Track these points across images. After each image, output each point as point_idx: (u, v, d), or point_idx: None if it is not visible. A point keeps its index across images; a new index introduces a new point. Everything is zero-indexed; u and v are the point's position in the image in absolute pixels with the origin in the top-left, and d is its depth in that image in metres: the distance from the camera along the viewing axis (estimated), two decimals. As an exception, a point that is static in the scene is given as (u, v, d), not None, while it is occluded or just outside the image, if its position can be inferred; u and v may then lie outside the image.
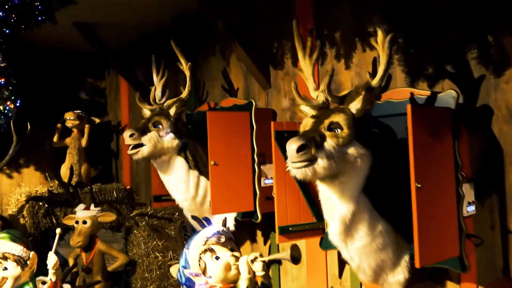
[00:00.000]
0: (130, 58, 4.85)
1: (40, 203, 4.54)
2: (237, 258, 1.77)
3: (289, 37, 3.25)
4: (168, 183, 3.35)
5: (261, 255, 1.72)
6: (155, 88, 3.62)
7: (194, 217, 3.06)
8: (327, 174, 1.88)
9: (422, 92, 2.21)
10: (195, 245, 1.84)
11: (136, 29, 4.37)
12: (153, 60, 3.56)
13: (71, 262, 4.14)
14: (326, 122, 1.93)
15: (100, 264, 3.82)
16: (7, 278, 1.92)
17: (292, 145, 1.76)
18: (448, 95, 2.05)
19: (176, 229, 4.01)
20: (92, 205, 3.88)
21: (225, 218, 3.03)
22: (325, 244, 2.70)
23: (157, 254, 3.88)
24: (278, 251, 3.34)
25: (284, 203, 2.59)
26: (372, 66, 2.76)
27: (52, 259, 2.12)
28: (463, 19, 2.24)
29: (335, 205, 2.06)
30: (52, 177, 5.06)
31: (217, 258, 1.78)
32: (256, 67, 3.33)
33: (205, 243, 1.81)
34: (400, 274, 2.24)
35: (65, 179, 4.48)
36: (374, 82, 2.00)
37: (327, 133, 1.90)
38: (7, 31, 3.84)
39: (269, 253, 3.45)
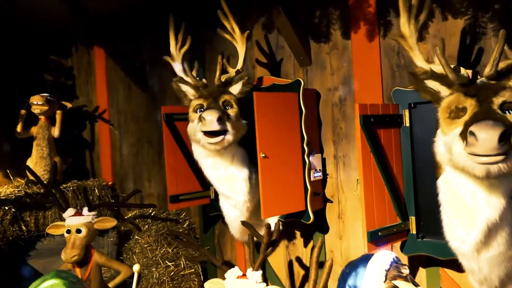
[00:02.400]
0: (114, 31, 4.05)
1: (6, 207, 3.69)
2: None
3: (338, 4, 2.76)
4: (220, 180, 2.67)
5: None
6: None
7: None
8: None
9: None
10: (373, 283, 1.32)
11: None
12: (170, 21, 2.83)
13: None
14: (496, 101, 1.49)
15: (98, 280, 3.13)
16: None
17: (491, 132, 1.29)
18: None
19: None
20: (86, 209, 3.16)
21: (279, 222, 2.53)
22: (410, 248, 2.30)
23: (168, 263, 3.26)
24: (325, 255, 2.89)
25: (371, 204, 2.13)
26: (459, 39, 2.35)
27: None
28: None
29: (482, 208, 1.64)
30: (16, 174, 4.18)
31: (404, 298, 1.29)
32: (299, 39, 2.79)
33: (385, 278, 1.31)
34: (527, 283, 1.90)
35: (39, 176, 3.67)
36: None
37: (508, 116, 1.45)
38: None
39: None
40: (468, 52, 2.33)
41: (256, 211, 2.66)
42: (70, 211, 3.16)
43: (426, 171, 2.24)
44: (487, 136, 1.30)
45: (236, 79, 2.67)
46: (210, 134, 2.44)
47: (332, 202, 2.86)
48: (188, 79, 2.76)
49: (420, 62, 1.92)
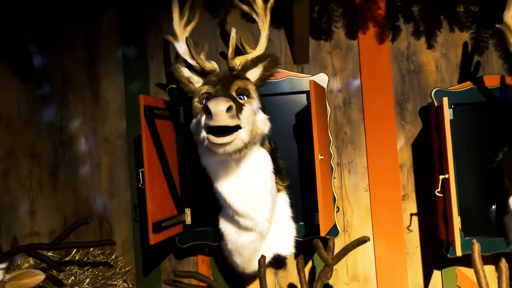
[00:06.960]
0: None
1: None
2: None
3: (341, 1, 2.61)
4: (238, 194, 1.98)
5: None
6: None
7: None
8: None
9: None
10: None
11: None
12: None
13: None
14: None
15: None
16: None
17: None
18: None
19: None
20: (-12, 260, 1.86)
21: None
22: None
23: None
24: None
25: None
26: (462, 50, 2.55)
27: None
28: None
29: None
30: None
31: None
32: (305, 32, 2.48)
33: None
34: None
35: None
36: None
37: None
38: None
39: (309, 284, 2.57)
40: (469, 63, 2.57)
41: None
42: (-44, 266, 1.81)
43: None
44: None
45: (255, 61, 2.08)
46: (217, 131, 1.79)
47: (337, 211, 2.59)
48: (193, 62, 2.05)
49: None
